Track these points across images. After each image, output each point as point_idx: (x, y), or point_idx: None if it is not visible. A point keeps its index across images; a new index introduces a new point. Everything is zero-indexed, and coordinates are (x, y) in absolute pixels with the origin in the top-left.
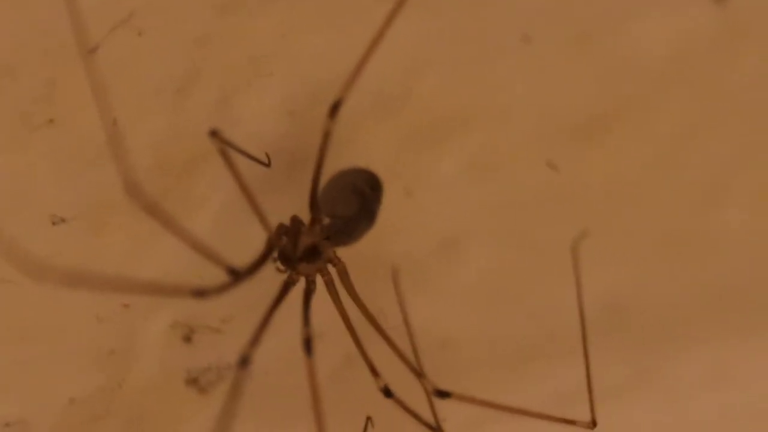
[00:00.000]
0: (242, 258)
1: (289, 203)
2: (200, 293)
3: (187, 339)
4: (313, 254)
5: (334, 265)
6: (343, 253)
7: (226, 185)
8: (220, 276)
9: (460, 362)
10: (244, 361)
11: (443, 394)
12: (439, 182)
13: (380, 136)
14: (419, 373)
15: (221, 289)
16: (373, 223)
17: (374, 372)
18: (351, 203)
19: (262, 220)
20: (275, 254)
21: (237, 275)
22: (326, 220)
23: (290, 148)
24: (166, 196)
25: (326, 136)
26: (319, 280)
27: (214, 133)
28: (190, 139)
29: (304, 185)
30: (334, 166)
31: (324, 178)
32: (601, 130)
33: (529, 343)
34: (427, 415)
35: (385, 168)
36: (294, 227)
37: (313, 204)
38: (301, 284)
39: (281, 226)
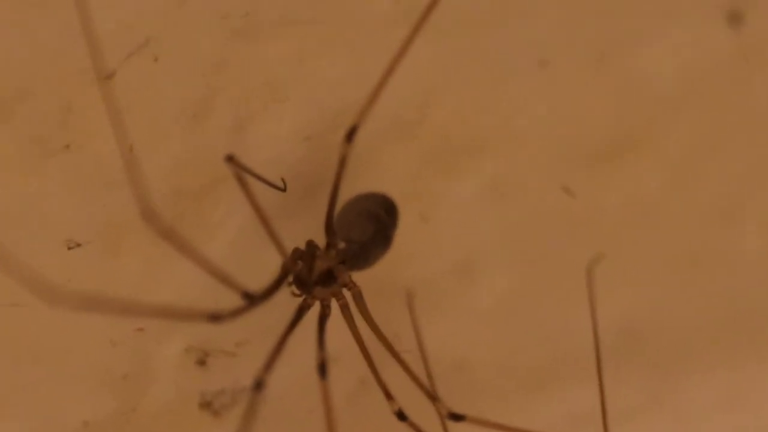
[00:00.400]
0: (257, 282)
1: (305, 228)
2: (215, 317)
3: (202, 363)
4: (328, 278)
5: (349, 289)
6: (358, 277)
7: (241, 210)
8: (235, 300)
9: (474, 385)
10: (259, 385)
11: (457, 417)
12: (455, 206)
13: (396, 160)
14: (433, 397)
15: (236, 313)
16: (388, 247)
17: (388, 395)
18: (366, 228)
19: (278, 244)
20: (290, 278)
21: (252, 299)
22: (341, 245)
23: (306, 173)
24: (182, 220)
25: (342, 161)
26: (334, 304)
27: (230, 159)
28: (206, 165)
29: (319, 210)
30: (350, 190)
31: (340, 203)
32: (617, 154)
33: (544, 366)
34: None
35: (400, 192)
36: (309, 252)
37: (329, 228)
38: (316, 308)
39: (296, 251)
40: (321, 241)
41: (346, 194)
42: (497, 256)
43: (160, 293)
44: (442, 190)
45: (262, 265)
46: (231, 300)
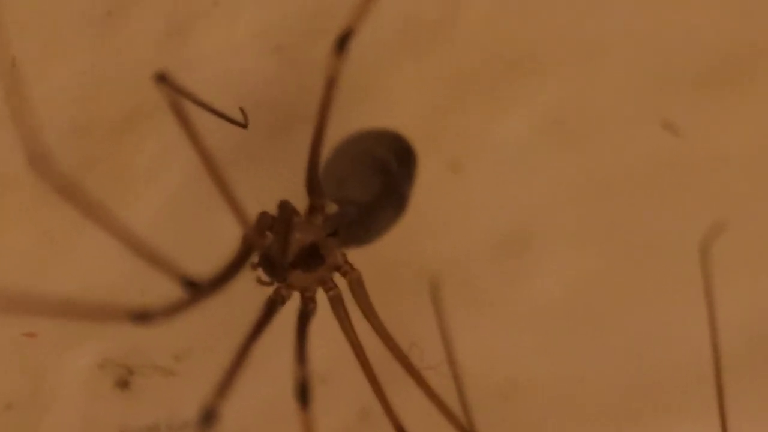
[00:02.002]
0: (205, 264)
1: (276, 182)
2: (142, 317)
3: (123, 384)
4: (311, 258)
5: (344, 275)
6: (356, 256)
7: (180, 156)
8: (171, 291)
9: (525, 416)
10: (209, 417)
11: None
12: (499, 153)
13: (411, 84)
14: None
15: (173, 310)
16: (402, 211)
17: (400, 429)
18: (369, 182)
19: (235, 207)
20: (255, 258)
21: (197, 290)
22: (332, 208)
23: (277, 100)
24: (90, 171)
25: (331, 83)
26: (321, 297)
27: (161, 78)
28: (126, 88)
29: (297, 155)
30: (343, 127)
31: (328, 146)
32: (739, 77)
33: (627, 391)
34: None
35: (419, 131)
36: (283, 218)
37: (313, 184)
38: (293, 302)
39: (264, 217)
40: (301, 202)
41: (337, 133)
42: (560, 227)
43: (60, 281)
44: (479, 129)
45: (212, 239)
46: (165, 290)
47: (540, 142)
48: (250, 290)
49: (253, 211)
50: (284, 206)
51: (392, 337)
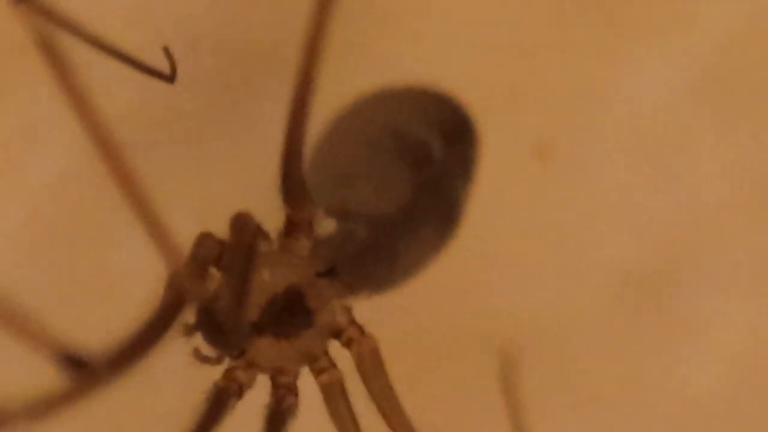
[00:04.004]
0: (97, 328)
1: (227, 181)
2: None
3: None
4: (291, 315)
5: (347, 345)
6: (369, 312)
7: (52, 130)
8: (42, 375)
9: None
10: None
11: None
12: (618, 129)
13: (466, 9)
14: None
15: (41, 408)
16: (451, 231)
17: None
18: (393, 181)
19: (153, 226)
20: (190, 317)
21: (84, 373)
22: (327, 226)
23: (226, 36)
24: None
25: (324, 4)
26: (307, 383)
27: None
28: None
29: (265, 135)
30: (344, 86)
31: (319, 119)
32: None
33: None
34: None
35: (482, 92)
36: (240, 245)
37: (292, 184)
38: (258, 392)
39: (205, 243)
40: (272, 217)
41: (334, 97)
42: (725, 263)
43: None
44: (583, 89)
45: (111, 281)
46: (35, 371)
47: (686, 109)
48: (179, 373)
49: (186, 234)
50: (241, 224)
51: None
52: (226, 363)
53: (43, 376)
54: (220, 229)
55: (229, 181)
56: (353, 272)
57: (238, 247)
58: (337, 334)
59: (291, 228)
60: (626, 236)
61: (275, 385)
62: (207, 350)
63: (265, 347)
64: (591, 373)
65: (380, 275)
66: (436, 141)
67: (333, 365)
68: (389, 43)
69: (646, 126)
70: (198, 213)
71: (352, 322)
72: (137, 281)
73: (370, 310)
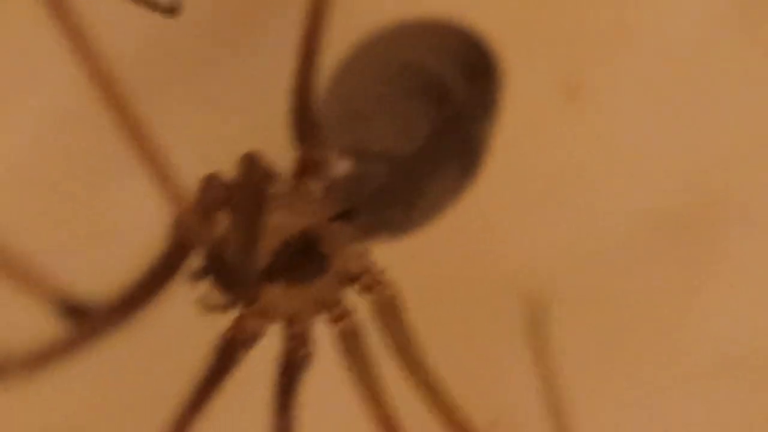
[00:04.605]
0: (96, 275)
1: (235, 117)
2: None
3: None
4: (304, 260)
5: (366, 291)
6: (389, 256)
7: (49, 67)
8: (40, 322)
9: None
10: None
11: None
12: (655, 60)
13: None
14: None
15: (39, 359)
16: (472, 173)
17: None
18: (412, 119)
19: (155, 164)
20: (197, 262)
21: (84, 321)
22: (342, 166)
23: None
24: None
25: None
26: (321, 334)
27: None
28: None
29: (274, 66)
30: (359, 16)
31: (333, 52)
32: None
33: None
34: None
35: (504, 21)
36: (250, 186)
37: (304, 120)
38: (269, 342)
39: (212, 184)
40: (283, 156)
41: (348, 28)
42: None
43: None
44: (617, 15)
45: (111, 223)
46: (34, 322)
47: (720, 44)
48: (186, 321)
49: (192, 175)
50: (250, 163)
51: (454, 404)
52: (235, 311)
53: (40, 324)
54: (228, 169)
55: (236, 119)
56: (370, 215)
57: (247, 188)
58: (353, 280)
59: (303, 169)
60: (657, 176)
61: (288, 335)
62: (214, 297)
63: (276, 294)
64: (622, 319)
65: (399, 218)
66: (457, 77)
67: (349, 313)
68: None
69: (678, 62)
70: (204, 153)
71: (370, 267)
72: (140, 225)
73: (388, 254)
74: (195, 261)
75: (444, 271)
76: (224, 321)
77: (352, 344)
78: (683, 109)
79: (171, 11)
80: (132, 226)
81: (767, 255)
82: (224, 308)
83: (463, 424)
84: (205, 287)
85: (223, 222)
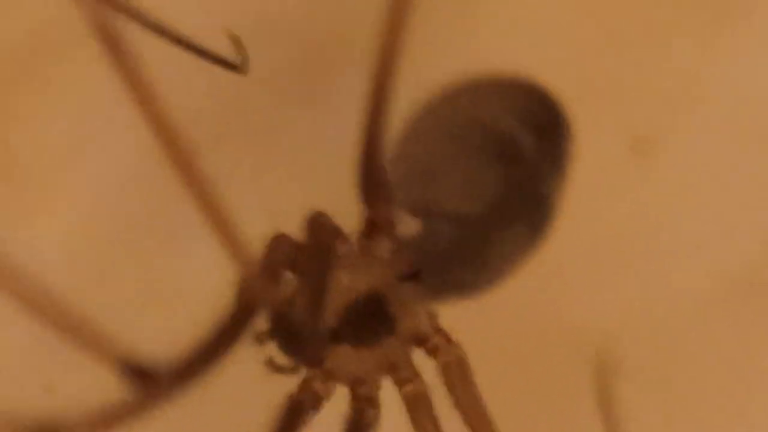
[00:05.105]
0: (161, 339)
1: (302, 179)
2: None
3: None
4: (372, 322)
5: (433, 354)
6: (457, 318)
7: (114, 128)
8: (103, 383)
9: None
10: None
11: None
12: (730, 113)
13: None
14: None
15: (104, 421)
16: (542, 232)
17: None
18: (481, 178)
19: (223, 227)
20: (263, 324)
21: (149, 385)
22: (410, 226)
23: (298, 26)
24: None
25: None
26: (389, 394)
27: None
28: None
29: (342, 129)
30: (427, 75)
31: (401, 113)
32: None
33: None
34: None
35: (575, 80)
36: (317, 246)
37: (371, 181)
38: (336, 403)
39: (279, 245)
40: (350, 217)
41: (416, 88)
42: None
43: None
44: (690, 72)
45: (176, 288)
46: (95, 385)
47: None
48: (251, 384)
49: (258, 235)
50: (318, 224)
51: None
52: (302, 373)
53: (105, 387)
54: (295, 230)
55: (303, 178)
56: (438, 276)
57: (314, 248)
58: (421, 342)
59: (371, 228)
60: (730, 235)
61: (354, 397)
62: (281, 360)
63: (343, 356)
64: (694, 383)
65: (467, 279)
66: (526, 135)
67: (417, 375)
68: (476, 30)
69: (749, 119)
70: (271, 213)
71: (438, 329)
72: (206, 286)
73: (455, 314)
74: (261, 323)
75: (512, 331)
76: (291, 382)
77: (419, 407)
78: (756, 165)
79: (239, 67)
80: (198, 287)
81: None
82: (291, 370)
83: None
84: (271, 349)
85: (289, 283)
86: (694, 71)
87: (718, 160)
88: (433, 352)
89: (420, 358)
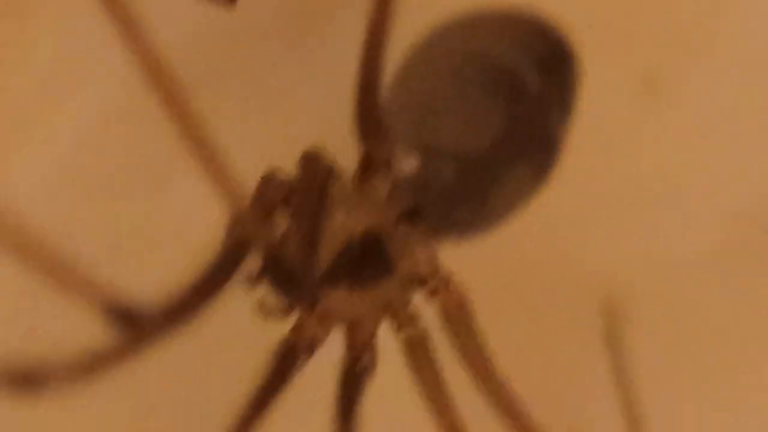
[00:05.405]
0: (148, 279)
1: (296, 114)
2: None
3: None
4: (368, 263)
5: (433, 296)
6: (458, 258)
7: (101, 61)
8: (88, 327)
9: None
10: None
11: None
12: (732, 60)
13: None
14: None
15: (87, 366)
16: (547, 171)
17: None
18: (483, 114)
19: (212, 163)
20: (254, 264)
21: (134, 328)
22: (408, 164)
23: None
24: None
25: None
26: (385, 342)
27: None
28: None
29: (337, 62)
30: (427, 6)
31: (399, 45)
32: None
33: None
34: None
35: (577, 14)
36: (311, 184)
37: (368, 117)
38: (330, 349)
39: (271, 183)
40: (346, 153)
41: (416, 19)
42: None
43: None
44: (698, 14)
45: (163, 224)
46: (79, 326)
47: None
48: (243, 325)
49: (250, 173)
50: (312, 161)
51: (524, 412)
52: (295, 316)
53: (89, 330)
54: (288, 168)
55: (297, 114)
56: (438, 215)
57: (308, 186)
58: (420, 284)
59: (367, 167)
60: (744, 178)
61: (350, 341)
62: (274, 302)
63: (339, 298)
64: (704, 327)
65: (468, 218)
66: (531, 71)
67: (416, 318)
68: None
69: (759, 58)
70: (263, 150)
71: (438, 270)
72: (195, 225)
73: (456, 256)
74: (252, 263)
75: (515, 274)
76: (284, 326)
77: (418, 351)
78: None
79: (228, 2)
80: (187, 226)
81: None
82: (283, 313)
83: None
84: (263, 290)
85: (282, 222)
86: (711, 6)
87: (733, 101)
88: (432, 294)
89: (420, 302)
